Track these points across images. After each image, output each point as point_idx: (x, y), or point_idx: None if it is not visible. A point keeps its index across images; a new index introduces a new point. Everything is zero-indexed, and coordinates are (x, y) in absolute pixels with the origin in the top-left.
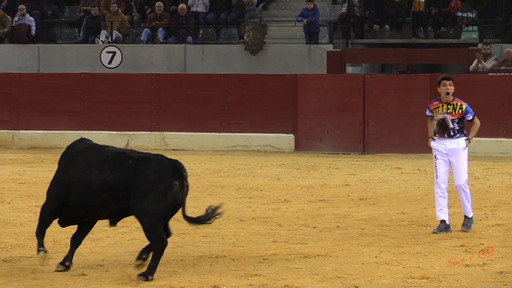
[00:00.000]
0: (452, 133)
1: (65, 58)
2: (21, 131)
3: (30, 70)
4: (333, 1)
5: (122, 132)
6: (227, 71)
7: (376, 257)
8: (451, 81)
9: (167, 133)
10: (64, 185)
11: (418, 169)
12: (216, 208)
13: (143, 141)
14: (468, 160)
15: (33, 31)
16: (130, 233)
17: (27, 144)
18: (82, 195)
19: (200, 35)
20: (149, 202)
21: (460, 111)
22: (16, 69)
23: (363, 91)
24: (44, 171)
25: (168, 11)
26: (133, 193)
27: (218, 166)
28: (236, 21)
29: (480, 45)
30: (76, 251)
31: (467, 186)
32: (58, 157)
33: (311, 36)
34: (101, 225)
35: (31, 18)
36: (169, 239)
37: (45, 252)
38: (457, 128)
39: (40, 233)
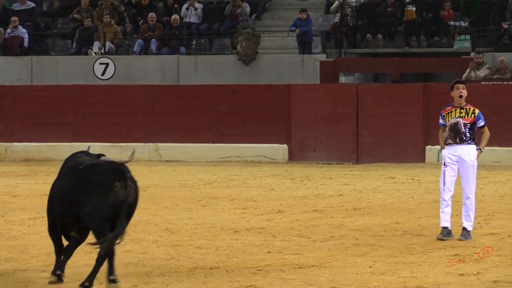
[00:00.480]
0: (464, 138)
1: (58, 70)
2: (14, 143)
3: (23, 82)
4: (326, 11)
5: (116, 144)
6: (221, 81)
7: (370, 267)
8: (464, 85)
9: (160, 144)
10: (50, 198)
11: (412, 179)
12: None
13: (137, 152)
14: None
15: (26, 43)
16: (124, 245)
17: (21, 156)
18: (55, 205)
19: (193, 46)
20: (91, 205)
21: (473, 116)
22: (9, 81)
23: (356, 100)
24: (37, 184)
25: (161, 22)
26: (81, 199)
27: (212, 177)
28: (229, 31)
29: (472, 54)
30: (70, 264)
31: (473, 198)
32: (52, 169)
33: (304, 46)
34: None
35: (24, 30)
36: (163, 251)
37: (55, 278)
38: (469, 134)
39: (55, 251)
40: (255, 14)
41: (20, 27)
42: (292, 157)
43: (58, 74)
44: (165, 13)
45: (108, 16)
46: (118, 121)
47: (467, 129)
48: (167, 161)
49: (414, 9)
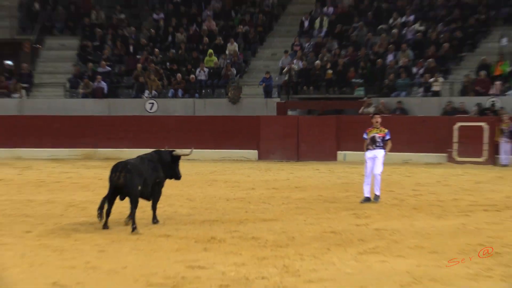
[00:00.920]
0: (378, 145)
1: (125, 107)
2: (98, 149)
3: (103, 114)
4: (280, 73)
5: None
6: (219, 114)
7: (305, 220)
8: (379, 116)
9: (186, 150)
10: None
11: (329, 170)
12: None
13: None
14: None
15: (105, 91)
16: (163, 208)
17: (102, 157)
18: None
19: (203, 93)
20: None
21: (383, 132)
22: (95, 114)
23: (297, 125)
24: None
25: (184, 79)
26: None
27: (214, 168)
28: (223, 85)
29: (365, 98)
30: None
31: (379, 176)
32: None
33: (268, 93)
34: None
35: (104, 83)
36: (186, 211)
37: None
38: (381, 142)
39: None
40: (239, 74)
41: (102, 82)
42: (260, 157)
43: (124, 110)
44: (186, 73)
45: (153, 75)
46: (159, 136)
47: (380, 139)
48: (188, 159)
49: (331, 71)
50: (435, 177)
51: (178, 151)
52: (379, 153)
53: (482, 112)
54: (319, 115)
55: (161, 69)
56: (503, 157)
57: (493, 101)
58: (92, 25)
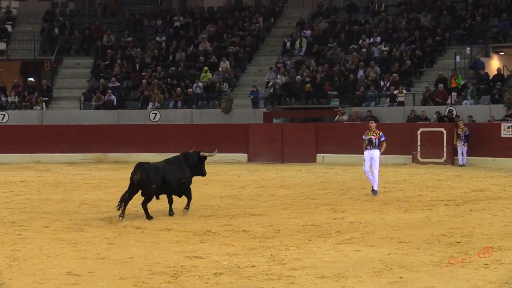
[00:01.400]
0: (374, 145)
1: (131, 117)
2: (109, 153)
3: (113, 123)
4: (266, 86)
5: (162, 153)
6: (213, 122)
7: (288, 215)
8: (373, 121)
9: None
10: None
11: (310, 171)
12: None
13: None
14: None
15: (114, 103)
16: (162, 202)
17: (112, 160)
18: None
19: (199, 104)
20: None
21: (378, 135)
22: (106, 123)
23: (281, 132)
24: (121, 174)
25: (183, 92)
26: None
27: (208, 170)
28: (217, 97)
29: (339, 108)
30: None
31: (377, 174)
32: (128, 168)
33: (255, 104)
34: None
35: (114, 97)
36: (182, 206)
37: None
38: (377, 143)
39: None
40: (230, 88)
41: (112, 95)
42: (249, 160)
43: (131, 119)
44: (185, 87)
45: (156, 89)
46: (161, 142)
47: (376, 141)
48: None
49: (310, 85)
50: (401, 176)
51: (205, 153)
52: (375, 153)
53: (441, 119)
54: (300, 123)
55: (163, 84)
56: (460, 158)
57: (450, 109)
58: (104, 47)
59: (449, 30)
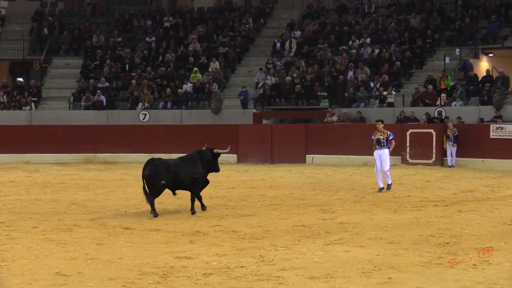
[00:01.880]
0: (382, 145)
1: (121, 117)
2: (98, 154)
3: (102, 123)
4: (256, 87)
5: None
6: (203, 123)
7: (278, 216)
8: (380, 122)
9: (173, 154)
10: None
11: (300, 171)
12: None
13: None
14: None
15: (104, 104)
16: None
17: (101, 161)
18: None
19: (189, 105)
20: None
21: (386, 134)
22: (95, 123)
23: (271, 132)
24: (111, 174)
25: (173, 92)
26: None
27: None
28: (207, 98)
29: (329, 109)
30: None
31: (388, 171)
32: (117, 168)
33: (245, 105)
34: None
35: (103, 97)
36: (172, 207)
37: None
38: (385, 143)
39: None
40: (220, 89)
41: (101, 95)
42: (239, 161)
43: (121, 120)
44: (174, 88)
45: (146, 89)
46: (151, 143)
47: (384, 141)
48: None
49: (299, 86)
50: (391, 176)
51: (218, 150)
52: (384, 152)
53: (430, 120)
54: (290, 124)
55: (152, 84)
56: (449, 159)
57: (439, 111)
58: (93, 47)
59: (439, 32)
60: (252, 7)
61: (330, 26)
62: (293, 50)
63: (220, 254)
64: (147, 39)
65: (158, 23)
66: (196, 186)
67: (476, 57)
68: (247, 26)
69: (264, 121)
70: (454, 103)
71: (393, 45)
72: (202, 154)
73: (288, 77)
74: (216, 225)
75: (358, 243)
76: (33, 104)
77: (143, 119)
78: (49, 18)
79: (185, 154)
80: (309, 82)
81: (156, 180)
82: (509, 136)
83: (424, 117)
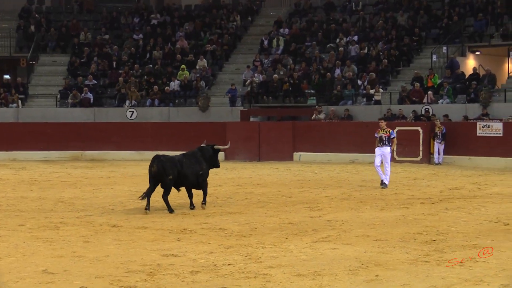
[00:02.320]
0: (385, 143)
1: (108, 114)
2: (85, 151)
3: (89, 121)
4: (243, 84)
5: (138, 152)
6: (190, 120)
7: (265, 213)
8: (383, 120)
9: (163, 152)
10: None
11: (287, 169)
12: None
13: (148, 155)
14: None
15: (91, 101)
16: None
17: (88, 158)
18: None
19: (177, 102)
20: None
21: (388, 132)
22: (82, 121)
23: (258, 130)
24: (98, 172)
25: (160, 90)
26: None
27: None
28: (194, 95)
29: (316, 106)
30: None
31: (389, 168)
32: (105, 165)
33: (233, 102)
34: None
35: (90, 94)
36: (159, 204)
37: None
38: (387, 141)
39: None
40: (207, 86)
41: (88, 93)
42: (226, 158)
43: (108, 117)
44: (162, 85)
45: (133, 87)
46: (138, 140)
47: (386, 138)
48: None
49: (287, 83)
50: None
51: (219, 146)
52: (386, 150)
53: (418, 118)
54: (277, 121)
55: (140, 82)
56: (436, 156)
57: (426, 108)
58: (80, 44)
59: (426, 30)
60: (239, 5)
61: (317, 24)
62: (281, 47)
63: (207, 251)
64: (135, 36)
65: (145, 20)
66: (203, 182)
67: (463, 55)
68: (235, 23)
69: (251, 119)
70: (441, 101)
71: (380, 43)
72: (204, 150)
73: (275, 75)
74: (203, 223)
75: (345, 241)
76: (20, 101)
77: (130, 117)
78: (36, 15)
79: (187, 151)
80: (296, 80)
81: (164, 176)
82: (496, 134)
83: (411, 114)
